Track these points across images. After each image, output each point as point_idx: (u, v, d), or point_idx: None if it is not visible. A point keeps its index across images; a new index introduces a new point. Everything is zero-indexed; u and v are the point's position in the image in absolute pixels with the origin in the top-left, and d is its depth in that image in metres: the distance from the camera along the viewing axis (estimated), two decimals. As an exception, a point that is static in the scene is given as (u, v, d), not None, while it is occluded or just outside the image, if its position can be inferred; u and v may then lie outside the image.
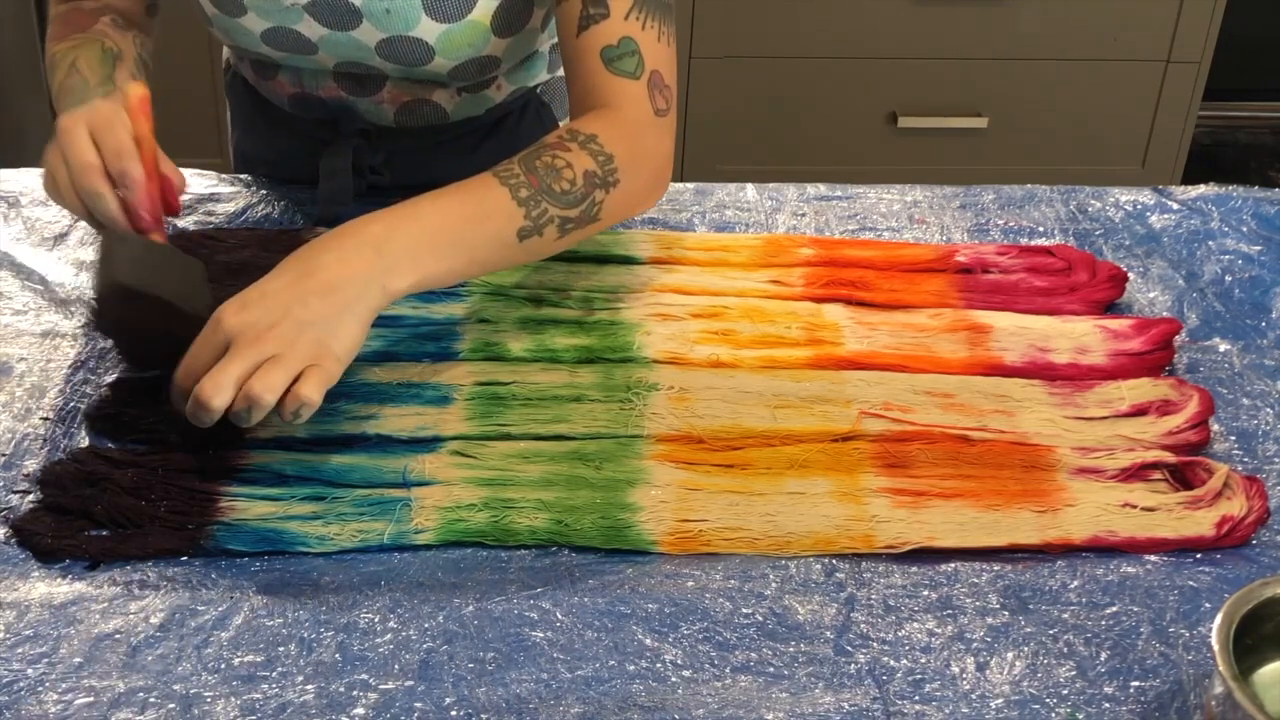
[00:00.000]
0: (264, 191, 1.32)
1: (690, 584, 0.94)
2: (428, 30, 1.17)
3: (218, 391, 0.92)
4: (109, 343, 1.11)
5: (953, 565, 0.96)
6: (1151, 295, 1.23)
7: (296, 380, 0.93)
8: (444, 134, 1.32)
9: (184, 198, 1.29)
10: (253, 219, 1.28)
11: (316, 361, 0.94)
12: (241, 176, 1.35)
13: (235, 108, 1.42)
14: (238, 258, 1.18)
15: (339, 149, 1.27)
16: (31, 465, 1.01)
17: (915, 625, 0.91)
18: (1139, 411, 1.09)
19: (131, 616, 0.89)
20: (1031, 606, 0.93)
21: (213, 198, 1.31)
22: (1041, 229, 1.31)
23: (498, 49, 1.22)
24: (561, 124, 1.19)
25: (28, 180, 1.31)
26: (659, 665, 0.88)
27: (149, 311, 1.02)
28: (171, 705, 0.84)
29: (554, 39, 1.32)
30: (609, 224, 1.10)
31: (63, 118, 1.07)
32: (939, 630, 0.91)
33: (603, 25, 1.10)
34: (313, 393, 0.93)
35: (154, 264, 1.03)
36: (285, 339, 0.93)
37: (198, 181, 1.33)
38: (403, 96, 1.27)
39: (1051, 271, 1.23)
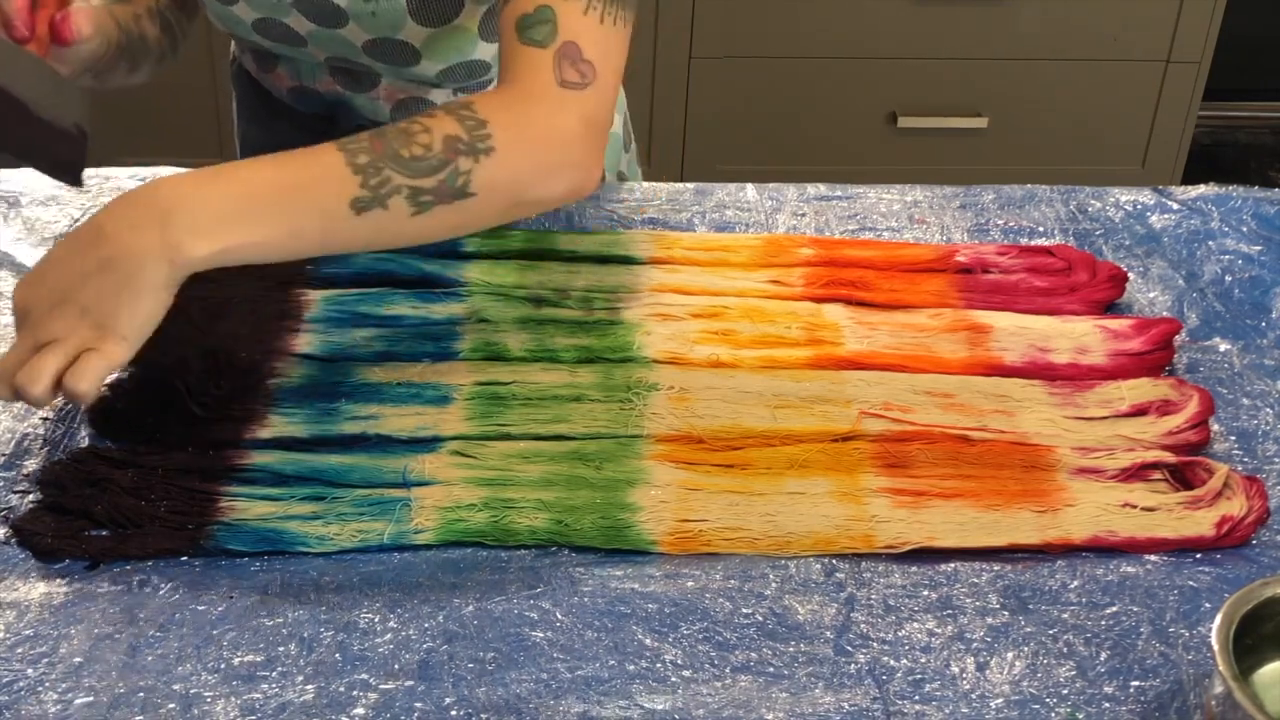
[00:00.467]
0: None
1: (690, 584, 0.94)
2: (413, 34, 1.17)
3: None
4: None
5: (953, 565, 0.96)
6: (1151, 295, 1.23)
7: (76, 362, 0.88)
8: None
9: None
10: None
11: (95, 345, 0.88)
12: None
13: (240, 97, 1.42)
14: None
15: None
16: (31, 465, 1.01)
17: (915, 625, 0.91)
18: (1139, 411, 1.09)
19: (132, 616, 0.89)
20: (1031, 606, 0.93)
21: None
22: (1041, 229, 1.31)
23: (486, 53, 1.22)
24: None
25: (28, 180, 1.31)
26: (659, 665, 0.88)
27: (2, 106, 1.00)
28: (171, 705, 0.84)
29: None
30: (502, 207, 0.98)
31: None
32: (939, 630, 0.91)
33: None
34: (81, 384, 0.88)
35: (18, 66, 1.01)
36: (66, 322, 0.88)
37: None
38: (398, 94, 1.27)
39: (1051, 271, 1.23)
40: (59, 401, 1.05)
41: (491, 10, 1.18)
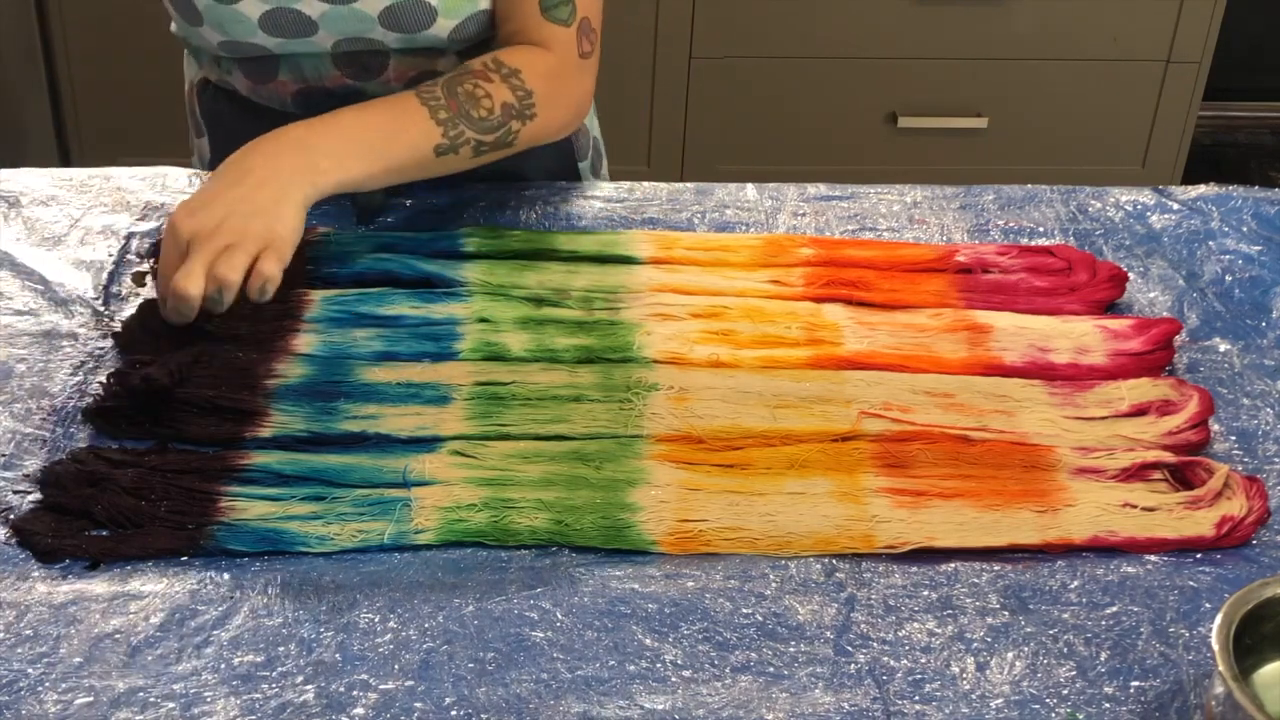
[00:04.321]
0: (264, 191, 1.32)
1: (690, 584, 0.94)
2: None
3: (190, 279, 1.02)
4: (108, 343, 1.11)
5: (953, 565, 0.96)
6: (1151, 295, 1.23)
7: (256, 261, 1.04)
8: None
9: (183, 198, 1.29)
10: (253, 219, 1.28)
11: (268, 244, 1.05)
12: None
13: (219, 129, 1.37)
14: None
15: None
16: (31, 465, 1.01)
17: (915, 625, 0.91)
18: (1139, 411, 1.09)
19: (131, 616, 0.89)
20: (1031, 606, 0.93)
21: (213, 198, 1.30)
22: (1042, 229, 1.31)
23: (487, 1, 1.24)
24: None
25: (28, 180, 1.31)
26: (659, 665, 0.88)
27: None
28: (171, 705, 0.84)
29: None
30: (521, 148, 1.21)
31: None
32: (939, 630, 0.91)
33: None
34: (272, 268, 1.05)
35: None
36: (236, 229, 1.04)
37: (198, 182, 1.32)
38: (408, 72, 1.27)
39: (1051, 271, 1.23)
40: (65, 403, 1.05)
41: None
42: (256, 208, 1.05)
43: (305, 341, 1.11)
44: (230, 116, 1.35)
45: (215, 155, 1.39)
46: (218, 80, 1.34)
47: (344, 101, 1.27)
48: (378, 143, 1.12)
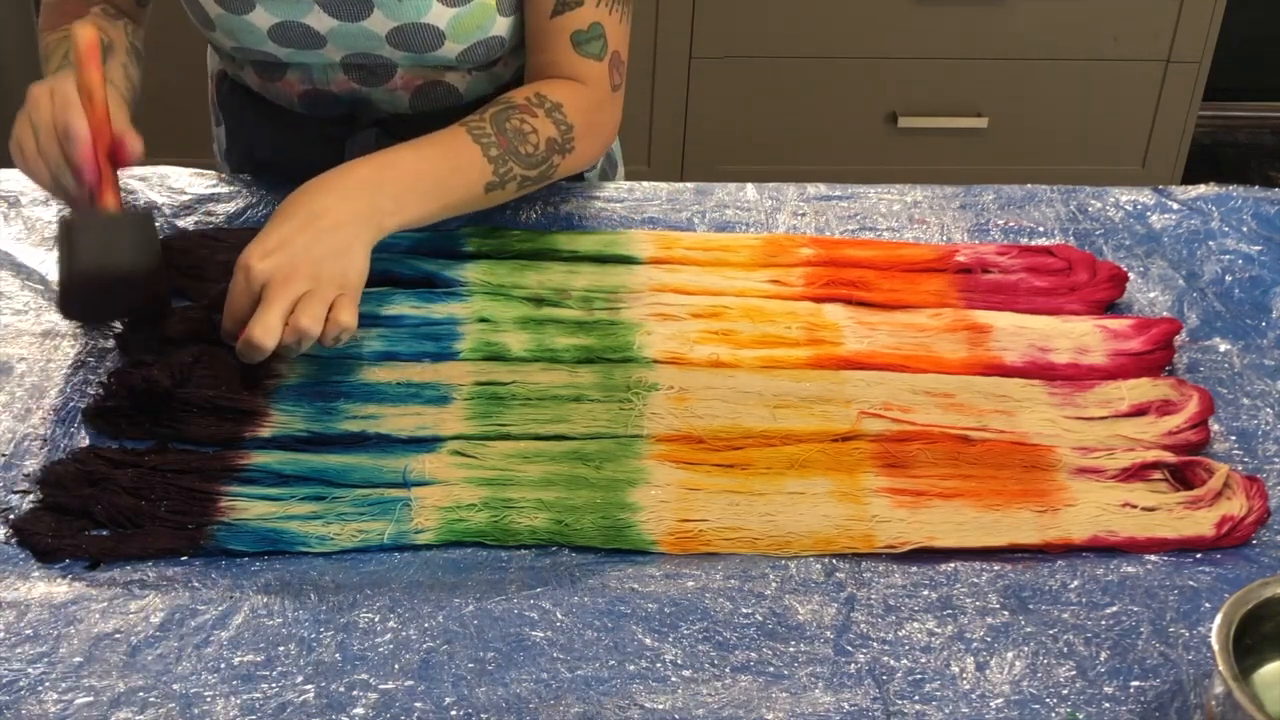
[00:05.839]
0: (264, 191, 1.32)
1: (690, 584, 0.94)
2: (438, 15, 1.19)
3: (268, 333, 1.01)
4: (108, 343, 1.11)
5: (953, 565, 0.96)
6: (1151, 295, 1.23)
7: (331, 309, 1.04)
8: (460, 115, 1.31)
9: (183, 197, 1.29)
10: (253, 219, 1.28)
11: (342, 289, 1.05)
12: (241, 176, 1.35)
13: (234, 120, 1.40)
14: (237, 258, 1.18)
15: (358, 143, 1.27)
16: (31, 465, 1.01)
17: (915, 625, 0.91)
18: (1139, 411, 1.09)
19: (131, 616, 0.89)
20: (1031, 606, 0.93)
21: (213, 198, 1.31)
22: (1042, 229, 1.31)
23: (503, 28, 1.23)
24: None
25: (28, 180, 1.31)
26: (659, 665, 0.88)
27: (109, 287, 1.07)
28: (171, 705, 0.84)
29: None
30: (555, 181, 1.24)
31: (32, 85, 1.09)
32: (939, 630, 0.91)
33: (576, 12, 1.20)
34: (349, 318, 1.04)
35: (107, 242, 1.07)
36: (311, 275, 1.03)
37: (198, 181, 1.33)
38: (415, 80, 1.27)
39: (1051, 271, 1.23)
40: (65, 403, 1.05)
41: None
42: (330, 252, 1.05)
43: (305, 341, 1.11)
44: (244, 109, 1.37)
45: (231, 144, 1.42)
46: (232, 74, 1.36)
47: (349, 105, 1.28)
48: (435, 184, 1.13)
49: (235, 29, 1.21)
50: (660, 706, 0.85)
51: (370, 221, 1.08)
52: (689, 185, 1.35)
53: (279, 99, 1.31)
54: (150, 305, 1.10)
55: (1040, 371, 1.13)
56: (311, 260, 1.04)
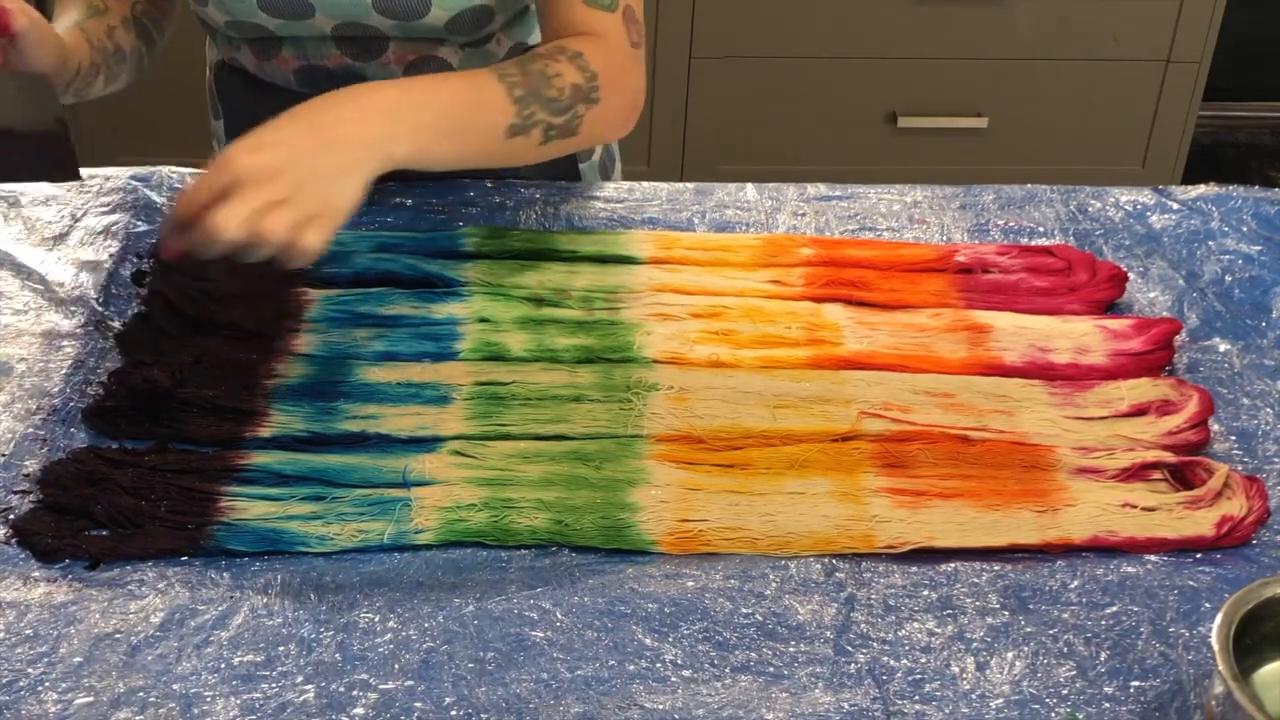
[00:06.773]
0: (264, 191, 1.32)
1: (690, 584, 0.94)
2: None
3: (230, 221, 0.94)
4: (108, 343, 1.11)
5: (953, 565, 0.96)
6: (1151, 295, 1.23)
7: (302, 228, 0.96)
8: None
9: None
10: (253, 219, 1.28)
11: (321, 213, 0.97)
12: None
13: (233, 109, 1.41)
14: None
15: None
16: (31, 465, 1.01)
17: (915, 625, 0.91)
18: (1139, 411, 1.09)
19: (131, 616, 0.89)
20: (1031, 606, 0.93)
21: (213, 198, 1.31)
22: (1041, 229, 1.31)
23: None
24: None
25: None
26: (659, 665, 0.88)
27: None
28: (171, 705, 0.84)
29: None
30: (583, 144, 1.16)
31: None
32: (939, 630, 0.91)
33: None
34: (315, 242, 0.96)
35: None
36: (294, 185, 0.96)
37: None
38: (408, 55, 1.27)
39: (1051, 271, 1.23)
40: (65, 403, 1.05)
41: None
42: (321, 169, 0.98)
43: (305, 341, 1.11)
44: (243, 97, 1.37)
45: (230, 136, 1.42)
46: (229, 59, 1.36)
47: (344, 81, 1.28)
48: (458, 118, 1.07)
49: (225, 1, 1.22)
50: (660, 706, 0.85)
51: (377, 149, 1.01)
52: (689, 185, 1.35)
53: (275, 78, 1.32)
54: (55, 173, 1.07)
55: (1040, 371, 1.13)
56: (302, 169, 0.97)
